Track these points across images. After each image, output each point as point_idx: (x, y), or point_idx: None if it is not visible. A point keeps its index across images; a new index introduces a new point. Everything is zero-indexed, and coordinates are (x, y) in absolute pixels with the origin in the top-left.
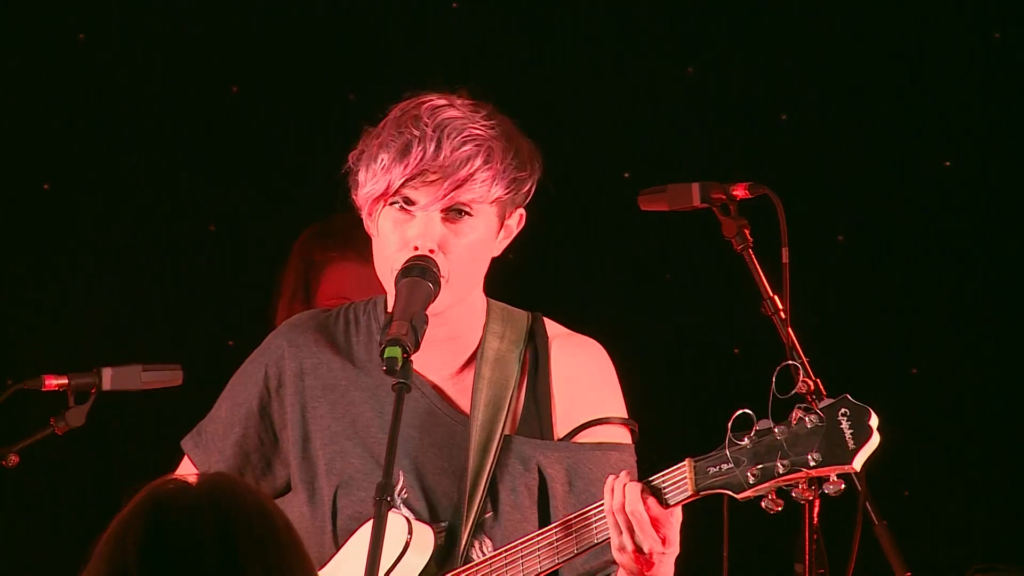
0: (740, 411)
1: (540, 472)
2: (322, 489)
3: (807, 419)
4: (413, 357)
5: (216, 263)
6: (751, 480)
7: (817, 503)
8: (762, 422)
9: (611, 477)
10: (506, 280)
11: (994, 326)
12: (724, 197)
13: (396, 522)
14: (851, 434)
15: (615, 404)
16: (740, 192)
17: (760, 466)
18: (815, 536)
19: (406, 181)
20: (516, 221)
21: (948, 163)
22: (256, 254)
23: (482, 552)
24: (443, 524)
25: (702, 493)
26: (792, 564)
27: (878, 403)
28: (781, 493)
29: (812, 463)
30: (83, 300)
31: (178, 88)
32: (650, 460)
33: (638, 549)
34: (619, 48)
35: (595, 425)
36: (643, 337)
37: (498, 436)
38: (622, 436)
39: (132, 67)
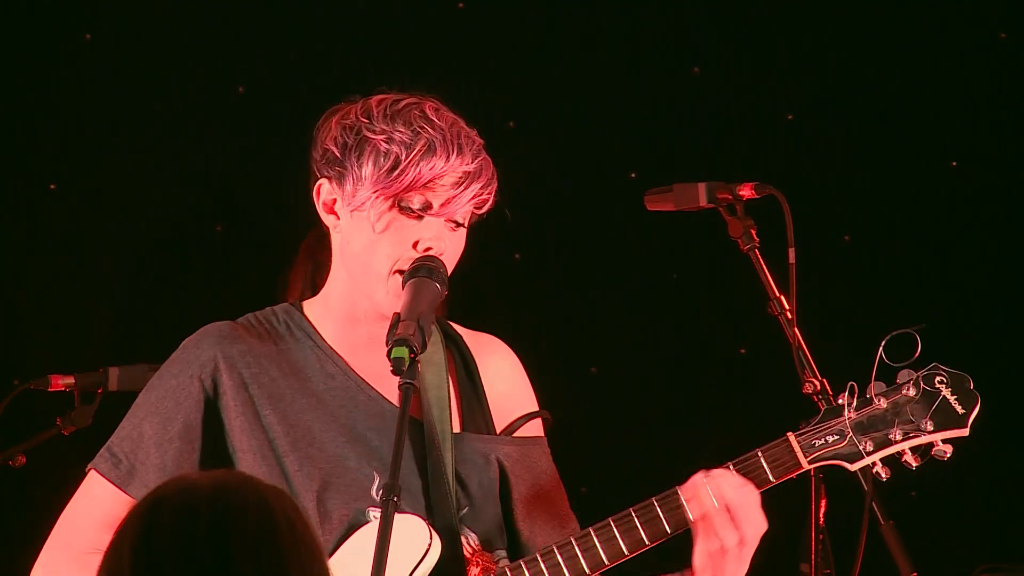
0: (841, 395)
1: (500, 465)
2: (299, 496)
3: (907, 390)
4: (353, 362)
5: (222, 263)
6: (868, 448)
7: (824, 503)
8: (853, 392)
9: (701, 476)
10: (510, 280)
11: (1001, 326)
12: (730, 197)
13: (414, 524)
14: (956, 399)
15: (534, 398)
16: (746, 192)
17: (871, 436)
18: (821, 536)
19: (429, 182)
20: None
21: (955, 163)
22: (262, 254)
23: (470, 546)
24: (434, 521)
25: (814, 465)
26: (798, 564)
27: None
28: (888, 461)
29: (929, 428)
30: (89, 300)
31: (184, 88)
32: (653, 458)
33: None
34: (625, 48)
35: (529, 420)
36: (649, 337)
37: (450, 435)
38: (540, 428)
39: (138, 67)
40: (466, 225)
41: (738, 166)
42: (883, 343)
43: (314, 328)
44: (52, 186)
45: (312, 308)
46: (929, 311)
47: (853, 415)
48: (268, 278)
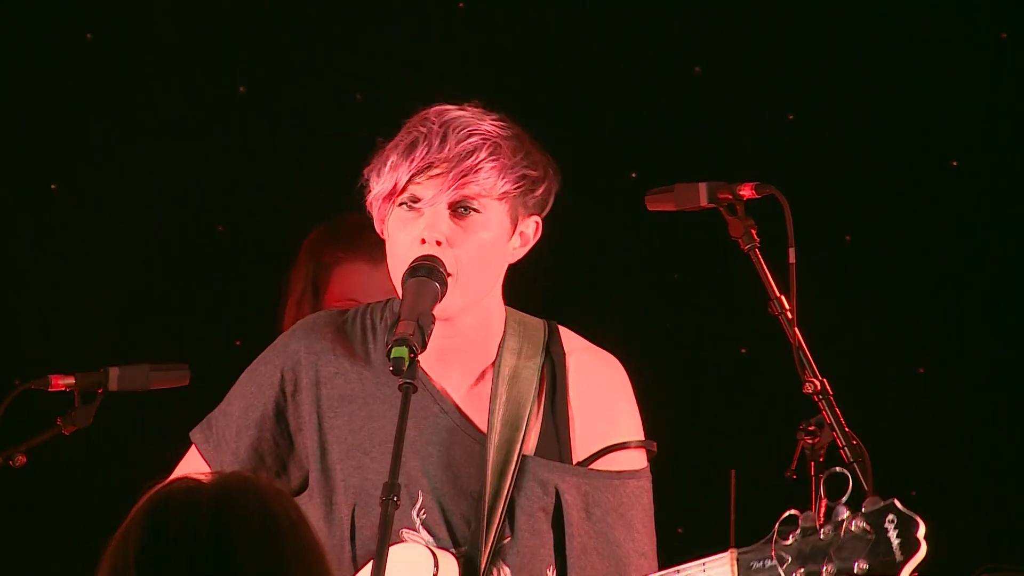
0: (788, 512)
1: (558, 496)
2: (339, 506)
3: (853, 523)
4: (432, 372)
5: (224, 263)
6: None
7: (824, 503)
8: (805, 517)
9: None
10: (512, 280)
11: (1002, 326)
12: (731, 197)
13: (419, 553)
14: (899, 544)
15: (634, 427)
16: (747, 192)
17: (804, 568)
18: None
19: (412, 176)
20: (532, 229)
21: (955, 163)
22: (264, 254)
23: None
24: (463, 549)
25: None
26: None
27: (884, 403)
28: None
29: (858, 571)
30: (90, 300)
31: (185, 88)
32: (655, 458)
33: None
34: (626, 48)
35: (614, 451)
36: (650, 337)
37: (516, 457)
38: (638, 460)
39: (139, 67)
40: (480, 210)
41: (739, 166)
42: (822, 480)
43: None
44: (53, 186)
45: None
46: (929, 311)
47: (795, 542)
48: (268, 278)
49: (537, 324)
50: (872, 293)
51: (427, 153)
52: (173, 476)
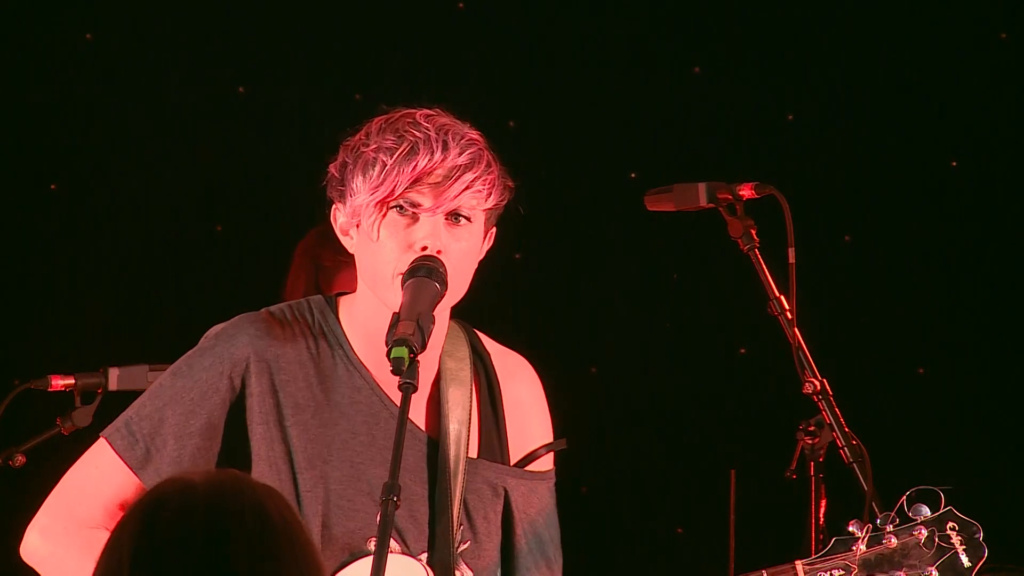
0: (853, 521)
1: (507, 498)
2: (307, 518)
3: (918, 531)
4: (379, 376)
5: (222, 263)
6: None
7: (824, 502)
8: (863, 528)
9: None
10: (512, 280)
11: (1001, 326)
12: (730, 197)
13: (413, 568)
14: (964, 550)
15: (550, 429)
16: (746, 192)
17: (876, 575)
18: (821, 536)
19: (412, 183)
20: (491, 236)
21: (955, 163)
22: (262, 254)
23: None
24: (431, 554)
25: None
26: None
27: (884, 403)
28: None
29: None
30: (90, 300)
31: (184, 88)
32: (653, 458)
33: None
34: (625, 48)
35: (543, 453)
36: (650, 337)
37: (463, 459)
38: (551, 461)
39: (139, 67)
40: (471, 219)
41: (738, 166)
42: (904, 497)
43: (345, 335)
44: (53, 186)
45: (344, 312)
46: (929, 311)
47: (863, 550)
48: (268, 278)
49: (456, 326)
50: (872, 293)
51: (430, 160)
52: (76, 475)
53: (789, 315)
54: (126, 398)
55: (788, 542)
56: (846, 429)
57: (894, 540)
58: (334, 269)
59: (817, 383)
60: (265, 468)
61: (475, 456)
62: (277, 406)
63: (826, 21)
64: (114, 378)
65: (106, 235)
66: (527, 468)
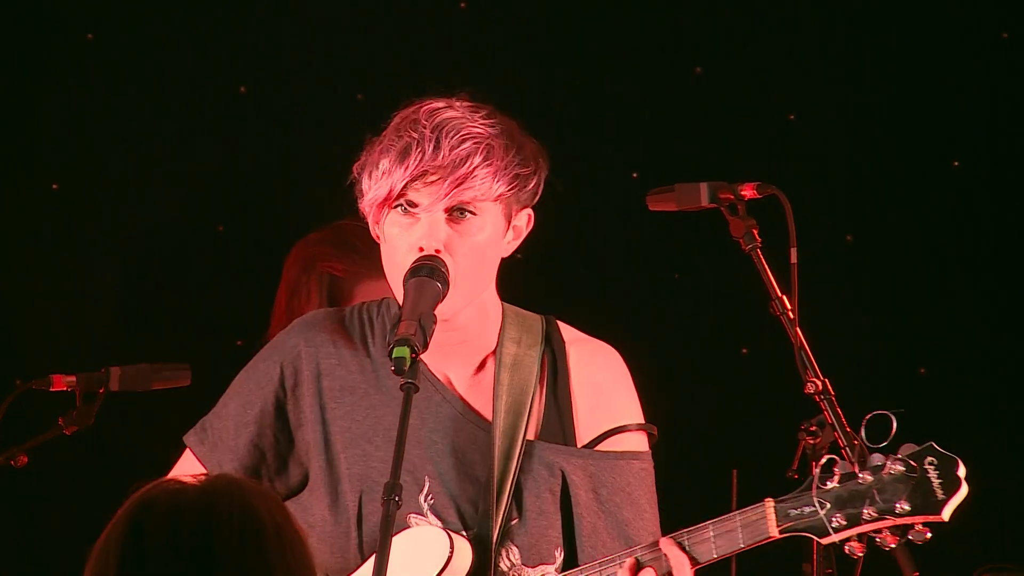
0: (825, 458)
1: (564, 478)
2: (345, 494)
3: (894, 467)
4: (432, 362)
5: (224, 263)
6: (836, 524)
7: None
8: (842, 464)
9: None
10: (514, 280)
11: (1003, 327)
12: (732, 197)
13: (434, 536)
14: (939, 484)
15: (634, 411)
16: (748, 192)
17: (845, 511)
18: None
19: (407, 183)
20: (524, 221)
21: (957, 163)
22: (264, 254)
23: (510, 560)
24: (473, 531)
25: (784, 535)
26: (800, 564)
27: (885, 403)
28: (864, 537)
29: (900, 511)
30: (91, 300)
31: (186, 88)
32: (655, 458)
33: None
34: (627, 48)
35: (617, 433)
36: (651, 337)
37: (520, 441)
38: (640, 443)
39: (140, 67)
40: (477, 212)
41: (739, 166)
42: (863, 424)
43: None
44: (54, 186)
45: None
46: (931, 311)
47: (834, 487)
48: (269, 278)
49: (535, 317)
50: (873, 293)
51: (421, 160)
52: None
53: (791, 315)
54: (127, 398)
55: (788, 542)
56: (848, 429)
57: (869, 477)
58: (349, 279)
59: (819, 383)
60: (313, 451)
61: (532, 438)
62: (321, 391)
63: (827, 21)
64: (116, 378)
65: (107, 235)
66: (598, 448)
